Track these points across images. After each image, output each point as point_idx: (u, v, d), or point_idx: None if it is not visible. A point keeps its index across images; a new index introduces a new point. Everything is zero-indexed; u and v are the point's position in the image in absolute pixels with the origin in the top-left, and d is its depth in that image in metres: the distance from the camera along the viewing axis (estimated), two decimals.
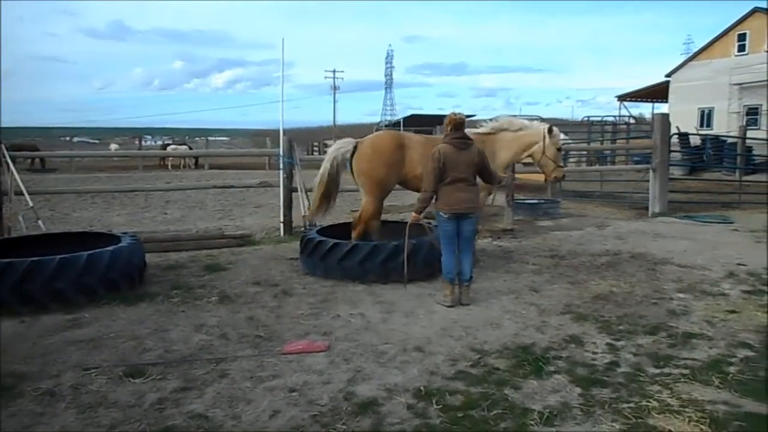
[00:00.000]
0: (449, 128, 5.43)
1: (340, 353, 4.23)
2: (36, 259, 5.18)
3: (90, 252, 5.45)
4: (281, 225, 9.05)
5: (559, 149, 6.84)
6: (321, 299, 5.54)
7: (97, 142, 66.27)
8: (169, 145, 35.55)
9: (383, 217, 9.87)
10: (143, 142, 47.85)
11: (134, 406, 3.43)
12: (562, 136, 7.35)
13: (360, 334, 4.61)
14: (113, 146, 47.50)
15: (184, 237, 8.28)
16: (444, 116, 5.80)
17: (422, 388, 3.65)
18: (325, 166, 6.64)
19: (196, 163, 31.22)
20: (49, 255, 5.30)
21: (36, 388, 3.64)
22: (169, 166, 30.07)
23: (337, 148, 6.69)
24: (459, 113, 5.53)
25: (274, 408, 3.40)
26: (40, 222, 8.15)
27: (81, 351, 4.26)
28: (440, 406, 3.41)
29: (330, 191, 6.77)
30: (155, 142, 59.52)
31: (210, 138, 57.13)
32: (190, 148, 34.36)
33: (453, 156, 5.29)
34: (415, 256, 5.93)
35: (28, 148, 23.74)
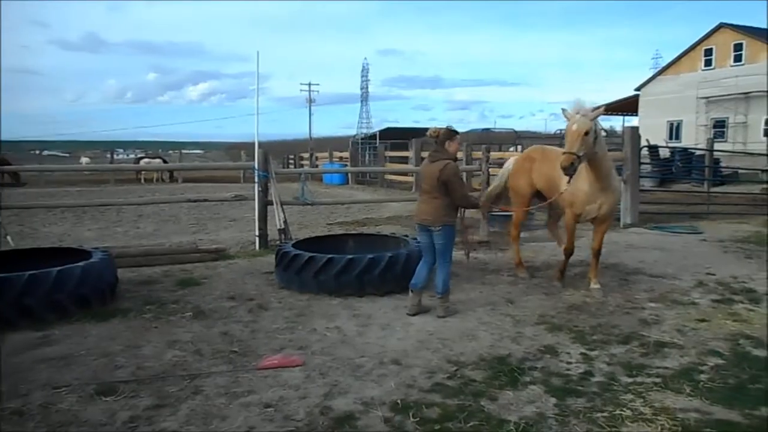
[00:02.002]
0: (435, 142, 5.52)
1: (317, 367, 4.20)
2: (4, 275, 5.07)
3: (60, 268, 5.34)
4: (256, 238, 8.98)
5: (563, 131, 5.85)
6: (297, 313, 5.50)
7: (67, 155, 65.19)
8: (142, 158, 35.13)
9: (360, 230, 9.86)
10: (116, 156, 47.18)
11: (106, 424, 3.36)
12: (582, 111, 5.67)
13: (336, 348, 4.60)
14: (84, 160, 46.75)
15: (157, 251, 8.17)
16: (419, 129, 5.88)
17: (399, 401, 3.65)
18: (499, 179, 7.50)
19: (171, 176, 30.86)
20: (18, 271, 5.18)
21: (4, 407, 3.54)
22: (142, 180, 29.68)
23: (507, 165, 7.45)
24: (438, 127, 5.51)
25: (250, 424, 3.37)
26: (8, 237, 7.98)
27: (51, 369, 4.17)
28: (417, 419, 3.41)
29: (501, 196, 7.51)
30: (127, 155, 58.77)
31: (184, 151, 56.60)
32: (165, 161, 33.97)
33: (423, 168, 5.55)
34: (392, 269, 5.96)
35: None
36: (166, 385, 3.90)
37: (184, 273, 7.14)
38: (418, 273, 5.55)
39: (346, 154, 29.95)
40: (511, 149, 23.49)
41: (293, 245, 6.77)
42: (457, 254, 6.13)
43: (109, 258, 5.99)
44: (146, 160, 32.98)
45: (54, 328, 5.01)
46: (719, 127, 33.94)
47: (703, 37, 35.69)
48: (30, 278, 5.08)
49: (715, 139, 20.88)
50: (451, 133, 5.47)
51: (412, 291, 5.49)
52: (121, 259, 7.13)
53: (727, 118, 33.61)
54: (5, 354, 4.45)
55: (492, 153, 11.76)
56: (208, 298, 6.03)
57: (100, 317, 5.29)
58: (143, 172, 29.95)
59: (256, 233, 8.98)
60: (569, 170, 5.49)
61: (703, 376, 4.05)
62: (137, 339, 4.79)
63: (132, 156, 50.30)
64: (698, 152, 20.40)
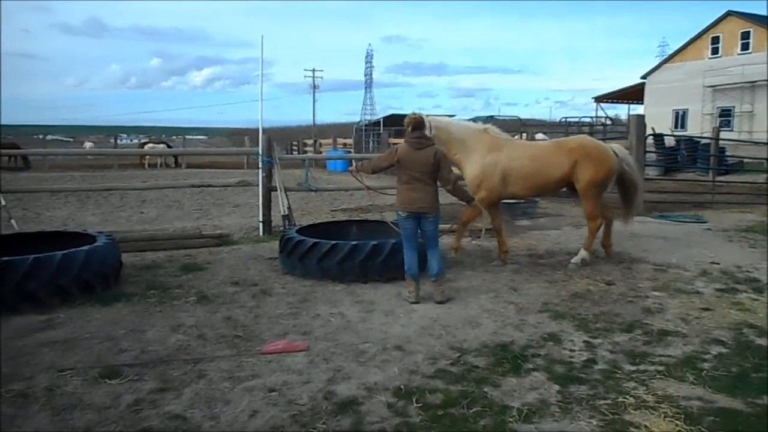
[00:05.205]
0: (409, 128, 5.49)
1: (320, 353, 4.21)
2: (9, 259, 5.08)
3: (65, 252, 5.35)
4: (260, 224, 8.99)
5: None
6: (300, 299, 5.51)
7: (71, 140, 65.24)
8: (146, 143, 35.12)
9: (363, 216, 9.82)
10: (119, 141, 47.17)
11: (110, 407, 3.38)
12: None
13: (339, 334, 4.60)
14: (88, 144, 46.75)
15: (161, 236, 8.18)
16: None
17: (402, 386, 3.65)
18: None
19: (175, 162, 30.86)
20: (22, 255, 5.19)
21: (9, 389, 3.56)
22: (146, 165, 29.67)
23: None
24: (417, 113, 5.65)
25: (253, 408, 3.38)
26: (12, 221, 7.99)
27: (55, 352, 4.18)
28: (420, 405, 3.41)
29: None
30: (131, 140, 58.74)
31: (187, 137, 56.62)
32: (169, 146, 33.96)
33: (409, 156, 5.40)
34: (395, 256, 5.94)
35: (8, 146, 23.30)
36: (170, 368, 3.91)
37: (188, 258, 7.15)
38: (412, 261, 5.47)
39: (350, 141, 29.91)
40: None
41: (297, 231, 6.77)
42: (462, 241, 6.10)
43: (113, 242, 5.99)
44: (150, 145, 32.95)
45: (58, 311, 5.03)
46: (725, 116, 33.71)
47: (710, 25, 35.36)
48: (34, 262, 5.09)
49: (721, 128, 20.74)
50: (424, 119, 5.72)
51: (413, 279, 5.46)
52: (125, 243, 7.14)
53: (734, 107, 33.38)
54: (9, 337, 4.47)
55: None
56: (211, 283, 6.04)
57: (104, 301, 5.30)
58: (147, 157, 29.94)
59: (260, 219, 8.99)
60: None
61: (706, 365, 4.05)
62: (141, 323, 4.81)
63: (136, 141, 50.32)
64: (704, 141, 20.30)
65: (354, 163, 6.41)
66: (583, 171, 6.67)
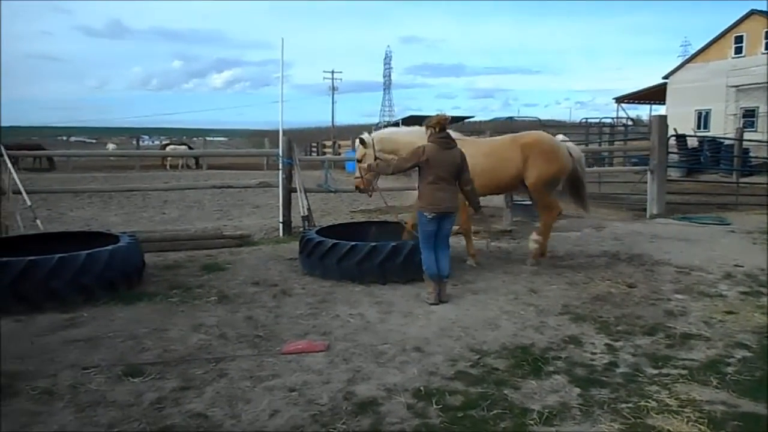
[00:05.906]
0: (437, 128, 5.47)
1: (340, 353, 4.23)
2: (34, 258, 5.17)
3: (89, 251, 5.43)
4: (280, 225, 9.04)
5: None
6: (320, 299, 5.53)
7: (94, 141, 66.28)
8: (168, 145, 35.53)
9: (382, 217, 9.84)
10: (141, 142, 47.72)
11: (133, 405, 3.42)
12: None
13: (359, 334, 4.62)
14: (111, 146, 47.46)
15: (183, 237, 8.27)
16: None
17: (422, 388, 3.65)
18: None
19: (196, 163, 31.16)
20: (46, 254, 5.28)
21: (33, 387, 3.63)
22: (167, 166, 29.99)
23: None
24: (444, 113, 5.64)
25: (274, 407, 3.41)
26: (37, 221, 8.13)
27: (79, 350, 4.25)
28: (440, 406, 3.41)
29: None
30: (152, 142, 59.49)
31: (208, 138, 57.17)
32: (190, 148, 34.32)
33: (438, 155, 5.39)
34: (414, 257, 5.93)
35: (32, 147, 23.73)
36: (191, 367, 3.95)
37: (209, 258, 7.22)
38: (429, 261, 5.45)
39: None
40: None
41: (316, 232, 6.80)
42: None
43: (135, 243, 6.07)
44: (172, 146, 33.33)
45: (81, 310, 5.10)
46: (749, 116, 33.11)
47: (734, 24, 34.76)
48: (59, 261, 5.18)
49: (745, 129, 20.42)
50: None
51: (432, 280, 5.45)
52: (147, 243, 7.22)
53: (758, 107, 32.76)
54: (34, 335, 4.55)
55: None
56: (232, 283, 6.09)
57: (127, 301, 5.38)
58: (169, 159, 30.27)
59: (280, 220, 9.04)
60: None
61: (729, 369, 3.99)
62: (163, 322, 4.86)
63: (157, 143, 50.93)
64: (727, 142, 20.01)
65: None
66: (533, 167, 6.64)
